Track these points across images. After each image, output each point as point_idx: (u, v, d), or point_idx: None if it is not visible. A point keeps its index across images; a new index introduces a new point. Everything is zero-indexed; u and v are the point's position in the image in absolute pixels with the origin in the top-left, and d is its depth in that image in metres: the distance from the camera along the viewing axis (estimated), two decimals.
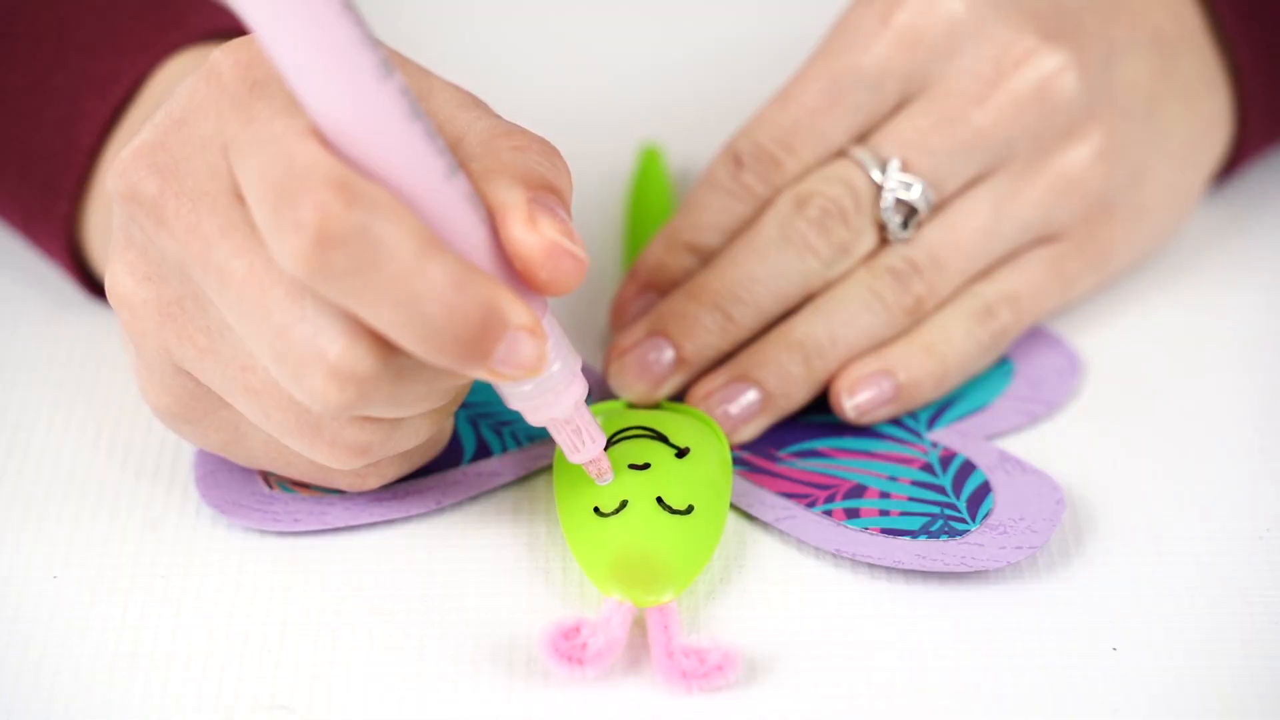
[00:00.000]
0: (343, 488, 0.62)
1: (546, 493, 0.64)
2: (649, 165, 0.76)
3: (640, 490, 0.61)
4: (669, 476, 0.61)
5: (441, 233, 0.54)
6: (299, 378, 0.55)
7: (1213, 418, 0.67)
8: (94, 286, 0.69)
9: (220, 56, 0.56)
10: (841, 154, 0.67)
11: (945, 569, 0.61)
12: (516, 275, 0.56)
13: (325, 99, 0.52)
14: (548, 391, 0.58)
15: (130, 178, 0.56)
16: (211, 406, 0.60)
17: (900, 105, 0.68)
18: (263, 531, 0.63)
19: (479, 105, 0.58)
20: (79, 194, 0.67)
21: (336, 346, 0.54)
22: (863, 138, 0.68)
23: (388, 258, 0.53)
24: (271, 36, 0.51)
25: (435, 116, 0.57)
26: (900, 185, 0.66)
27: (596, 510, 0.61)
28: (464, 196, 0.54)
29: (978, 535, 0.62)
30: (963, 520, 0.62)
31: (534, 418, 0.58)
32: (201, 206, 0.55)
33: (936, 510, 0.63)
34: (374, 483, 0.62)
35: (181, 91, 0.57)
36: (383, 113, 0.53)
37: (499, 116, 0.58)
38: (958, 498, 0.63)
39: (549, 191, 0.56)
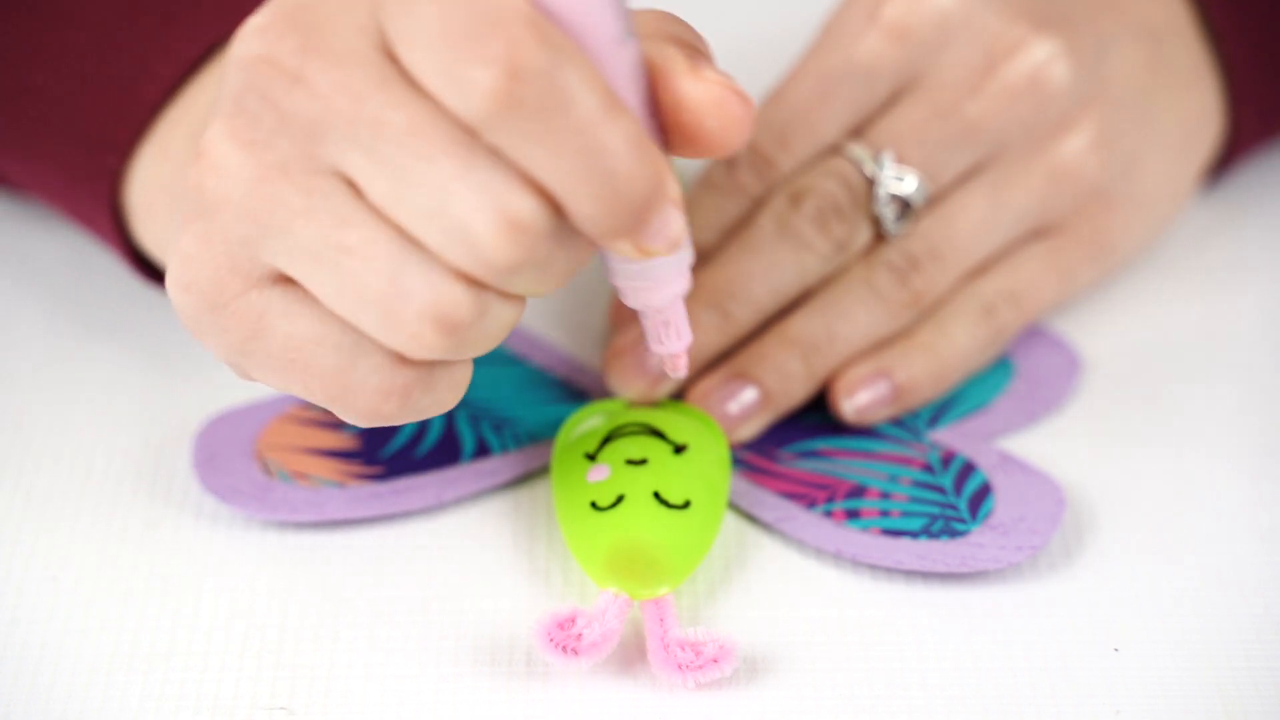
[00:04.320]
0: (354, 416, 0.58)
1: (545, 492, 0.64)
2: None
3: (637, 485, 0.61)
4: (666, 472, 0.61)
5: None
6: (467, 227, 0.53)
7: (1213, 417, 0.67)
8: (129, 251, 0.67)
9: None
10: (835, 150, 0.67)
11: (946, 569, 0.61)
12: (664, 148, 0.55)
13: None
14: (657, 275, 0.57)
15: (268, 37, 0.55)
16: (245, 285, 0.57)
17: (893, 99, 0.68)
18: (263, 524, 0.63)
19: None
20: (129, 150, 0.66)
21: (515, 197, 0.53)
22: (856, 132, 0.68)
23: (575, 105, 0.52)
24: None
25: None
26: (894, 179, 0.67)
27: (593, 505, 0.61)
28: (634, 62, 0.54)
29: (978, 536, 0.62)
30: (963, 520, 0.62)
31: (633, 299, 0.58)
32: (349, 63, 0.54)
33: (937, 510, 0.63)
34: (391, 411, 0.58)
35: None
36: None
37: None
38: (958, 498, 0.63)
39: (698, 52, 0.56)
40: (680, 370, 0.60)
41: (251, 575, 0.62)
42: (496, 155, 0.53)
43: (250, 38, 0.55)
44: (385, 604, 0.61)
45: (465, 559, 0.62)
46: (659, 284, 0.57)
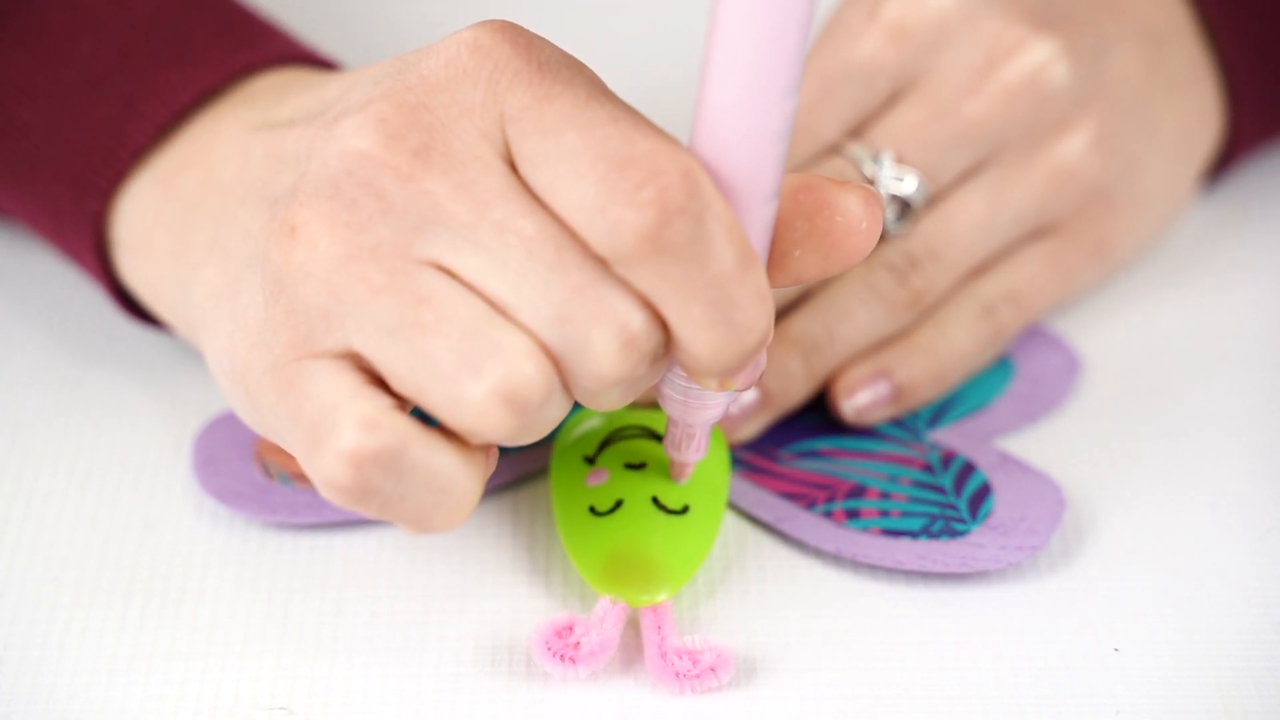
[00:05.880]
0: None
1: (544, 494, 0.64)
2: None
3: (636, 490, 0.61)
4: (665, 476, 0.61)
5: None
6: (587, 338, 0.54)
7: (1213, 418, 0.67)
8: (116, 289, 0.68)
9: (482, 34, 0.55)
10: (835, 150, 0.67)
11: (946, 570, 0.61)
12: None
13: (731, 102, 0.52)
14: (708, 400, 0.58)
15: (385, 132, 0.55)
16: (316, 358, 0.58)
17: (892, 99, 0.68)
18: (263, 526, 0.63)
19: None
20: (113, 193, 0.66)
21: (635, 317, 0.54)
22: (856, 133, 0.68)
23: (715, 257, 0.53)
24: (734, 32, 0.51)
25: None
26: (894, 179, 0.67)
27: (592, 510, 0.61)
28: (772, 217, 0.55)
29: (978, 536, 0.62)
30: (963, 521, 0.62)
31: (671, 408, 0.58)
32: (472, 169, 0.55)
33: (937, 511, 0.63)
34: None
35: (432, 61, 0.56)
36: (766, 128, 0.53)
37: None
38: (958, 498, 0.63)
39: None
40: (684, 479, 0.61)
41: (251, 576, 0.62)
42: (625, 281, 0.54)
43: (365, 130, 0.55)
44: (385, 604, 0.61)
45: (465, 559, 0.62)
46: (706, 407, 0.58)
